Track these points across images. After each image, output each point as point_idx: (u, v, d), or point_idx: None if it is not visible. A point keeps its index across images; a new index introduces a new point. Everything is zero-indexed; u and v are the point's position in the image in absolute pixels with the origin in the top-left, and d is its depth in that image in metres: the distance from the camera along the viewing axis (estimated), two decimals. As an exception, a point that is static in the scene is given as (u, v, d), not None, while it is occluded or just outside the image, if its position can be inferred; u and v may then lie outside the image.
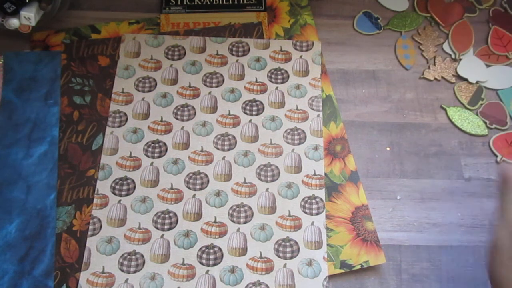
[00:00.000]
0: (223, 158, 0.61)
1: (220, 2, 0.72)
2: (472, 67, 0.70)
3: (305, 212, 0.58)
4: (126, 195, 0.59)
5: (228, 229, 0.57)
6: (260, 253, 0.56)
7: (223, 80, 0.66)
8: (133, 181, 0.60)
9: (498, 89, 0.69)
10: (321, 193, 0.60)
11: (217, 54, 0.68)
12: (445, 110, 0.67)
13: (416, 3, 0.75)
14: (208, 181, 0.60)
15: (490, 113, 0.67)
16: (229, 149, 0.62)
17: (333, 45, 0.71)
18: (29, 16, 0.61)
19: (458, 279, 0.57)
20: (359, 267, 0.56)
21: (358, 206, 0.60)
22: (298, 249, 0.56)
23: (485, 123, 0.66)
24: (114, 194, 0.59)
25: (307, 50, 0.69)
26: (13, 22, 0.62)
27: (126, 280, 0.54)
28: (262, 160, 0.61)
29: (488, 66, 0.71)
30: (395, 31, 0.73)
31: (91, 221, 0.57)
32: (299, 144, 0.62)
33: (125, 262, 0.55)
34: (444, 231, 0.60)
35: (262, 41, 0.69)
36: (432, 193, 0.62)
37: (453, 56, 0.71)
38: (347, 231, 0.58)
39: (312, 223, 0.58)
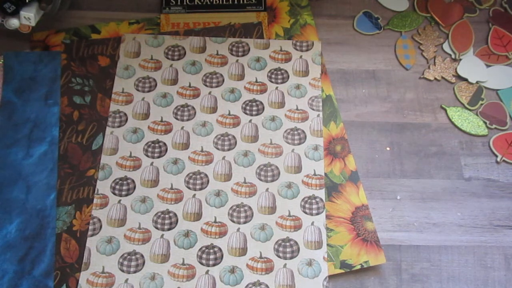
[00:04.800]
0: (223, 158, 0.61)
1: (220, 2, 0.72)
2: (472, 67, 0.70)
3: (305, 212, 0.58)
4: (126, 195, 0.59)
5: (228, 229, 0.57)
6: (260, 253, 0.56)
7: (223, 80, 0.66)
8: (133, 181, 0.60)
9: (498, 89, 0.69)
10: (321, 193, 0.60)
11: (217, 54, 0.68)
12: (445, 110, 0.67)
13: (416, 3, 0.75)
14: (208, 181, 0.60)
15: (490, 113, 0.67)
16: (229, 149, 0.62)
17: (333, 45, 0.71)
18: (29, 16, 0.61)
19: (458, 279, 0.57)
20: (359, 267, 0.56)
21: (358, 206, 0.60)
22: (298, 249, 0.56)
23: (485, 123, 0.66)
24: (114, 194, 0.59)
25: (307, 50, 0.69)
26: (13, 22, 0.62)
27: (126, 280, 0.54)
28: (262, 160, 0.61)
29: (488, 66, 0.71)
30: (395, 31, 0.73)
31: (91, 221, 0.57)
32: (299, 144, 0.62)
33: (125, 262, 0.55)
34: (444, 231, 0.60)
35: (262, 41, 0.69)
36: (432, 193, 0.62)
37: (453, 56, 0.71)
38: (347, 231, 0.58)
39: (312, 223, 0.58)
